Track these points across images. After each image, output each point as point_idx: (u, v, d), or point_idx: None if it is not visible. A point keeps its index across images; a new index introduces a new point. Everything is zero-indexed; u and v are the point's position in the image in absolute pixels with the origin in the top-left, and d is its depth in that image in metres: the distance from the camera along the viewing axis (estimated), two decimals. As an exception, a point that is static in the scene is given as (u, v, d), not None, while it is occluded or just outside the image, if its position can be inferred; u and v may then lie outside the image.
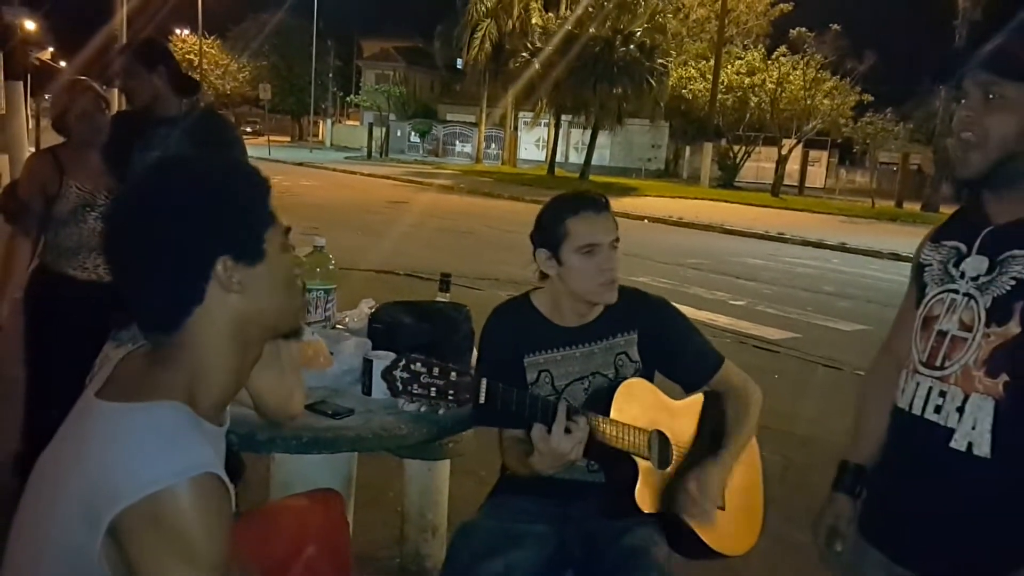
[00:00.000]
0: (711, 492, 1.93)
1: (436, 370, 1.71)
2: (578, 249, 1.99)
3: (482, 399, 1.75)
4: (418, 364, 1.70)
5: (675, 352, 2.15)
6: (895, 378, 1.69)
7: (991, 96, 1.49)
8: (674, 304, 2.24)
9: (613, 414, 1.93)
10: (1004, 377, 1.47)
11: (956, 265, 1.59)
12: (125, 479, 1.05)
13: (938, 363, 1.56)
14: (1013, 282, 1.48)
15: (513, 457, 2.00)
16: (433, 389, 1.70)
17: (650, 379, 2.13)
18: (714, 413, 2.11)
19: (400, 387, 1.70)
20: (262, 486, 2.32)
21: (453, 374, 1.72)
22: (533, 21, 27.87)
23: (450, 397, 1.71)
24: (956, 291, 1.57)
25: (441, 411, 1.74)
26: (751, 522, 2.15)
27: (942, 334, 1.56)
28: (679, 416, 2.08)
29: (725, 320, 7.71)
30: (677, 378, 2.17)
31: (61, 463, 1.16)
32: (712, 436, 2.08)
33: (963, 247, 1.60)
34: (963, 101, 1.54)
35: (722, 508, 2.04)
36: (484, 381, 1.75)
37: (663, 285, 9.32)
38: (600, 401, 1.97)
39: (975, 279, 1.54)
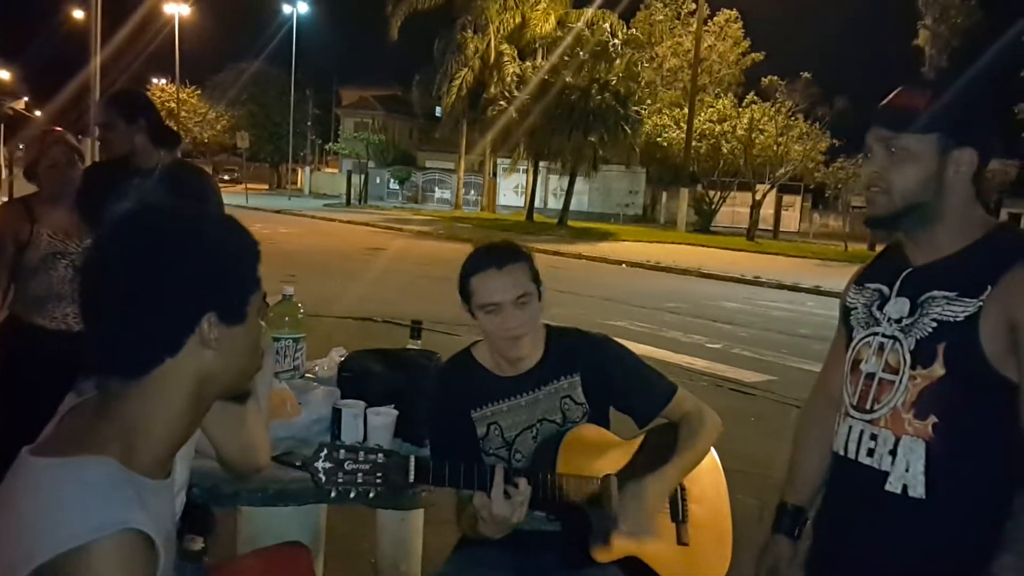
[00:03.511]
0: (645, 505, 1.89)
1: (361, 454, 1.65)
2: (481, 308, 2.00)
3: (411, 478, 1.71)
4: (341, 451, 1.64)
5: (622, 388, 2.12)
6: (829, 418, 1.70)
7: (892, 150, 1.53)
8: (616, 340, 2.21)
9: (561, 466, 1.90)
10: (933, 419, 1.48)
11: (880, 308, 1.61)
12: (40, 536, 1.02)
13: (868, 406, 1.57)
14: (934, 324, 1.50)
15: (465, 523, 1.97)
16: (360, 475, 1.63)
17: (603, 419, 2.11)
18: (666, 442, 2.07)
19: (324, 479, 1.62)
20: (230, 540, 2.28)
21: (380, 456, 1.66)
22: (510, 71, 28.20)
23: (378, 481, 1.65)
24: (881, 334, 1.58)
25: (372, 495, 1.65)
26: (719, 552, 2.12)
27: (870, 377, 1.58)
28: (632, 455, 2.06)
29: (702, 363, 7.73)
30: (629, 413, 2.15)
31: None
32: (662, 463, 2.03)
33: (885, 289, 1.61)
34: (867, 156, 1.58)
35: (686, 544, 2.02)
36: (412, 459, 1.71)
37: (641, 329, 9.36)
38: (547, 453, 1.95)
39: (898, 321, 1.56)
